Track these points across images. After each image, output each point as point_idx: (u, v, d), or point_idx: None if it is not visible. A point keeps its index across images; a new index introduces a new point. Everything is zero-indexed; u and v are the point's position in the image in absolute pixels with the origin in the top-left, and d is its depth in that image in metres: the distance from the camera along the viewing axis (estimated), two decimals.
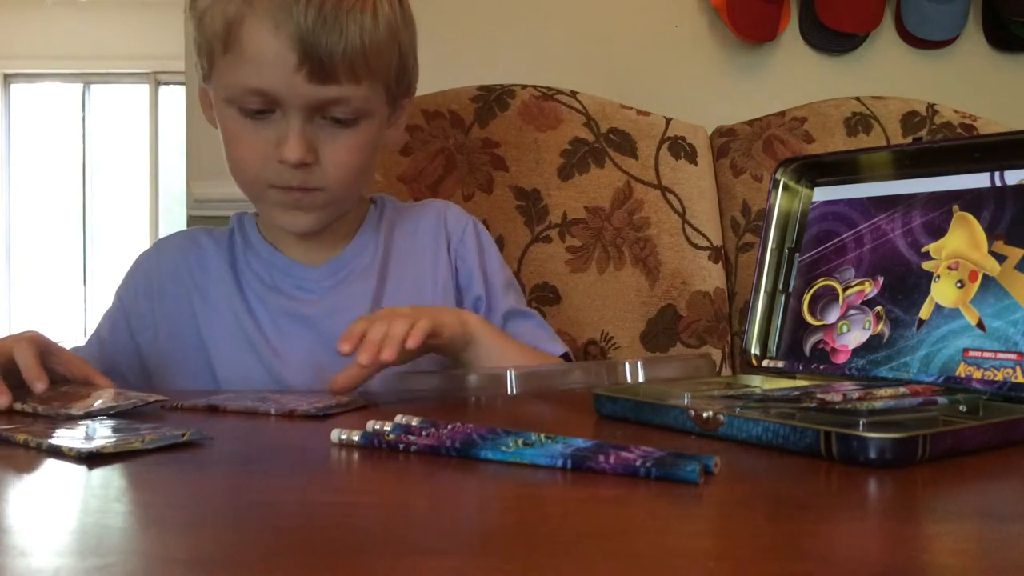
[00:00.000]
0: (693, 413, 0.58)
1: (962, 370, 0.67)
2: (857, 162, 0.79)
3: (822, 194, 0.81)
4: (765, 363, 0.80)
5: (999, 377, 0.64)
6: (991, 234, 0.68)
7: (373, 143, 0.91)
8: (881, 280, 0.74)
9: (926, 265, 0.71)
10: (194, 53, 0.90)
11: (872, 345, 0.73)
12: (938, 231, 0.71)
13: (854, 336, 0.74)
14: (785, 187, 0.82)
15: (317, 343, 0.92)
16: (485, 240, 1.04)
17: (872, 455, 0.49)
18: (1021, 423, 0.56)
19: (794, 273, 0.81)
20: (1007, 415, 0.58)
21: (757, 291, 0.82)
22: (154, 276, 1.00)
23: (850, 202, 0.78)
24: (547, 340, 0.99)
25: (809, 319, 0.78)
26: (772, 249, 0.82)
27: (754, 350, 0.82)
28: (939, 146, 0.75)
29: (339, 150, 0.87)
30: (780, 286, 0.81)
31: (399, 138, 1.09)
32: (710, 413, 0.57)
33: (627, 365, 0.79)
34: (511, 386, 0.77)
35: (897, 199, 0.75)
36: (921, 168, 0.74)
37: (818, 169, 0.82)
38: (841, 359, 0.75)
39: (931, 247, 0.72)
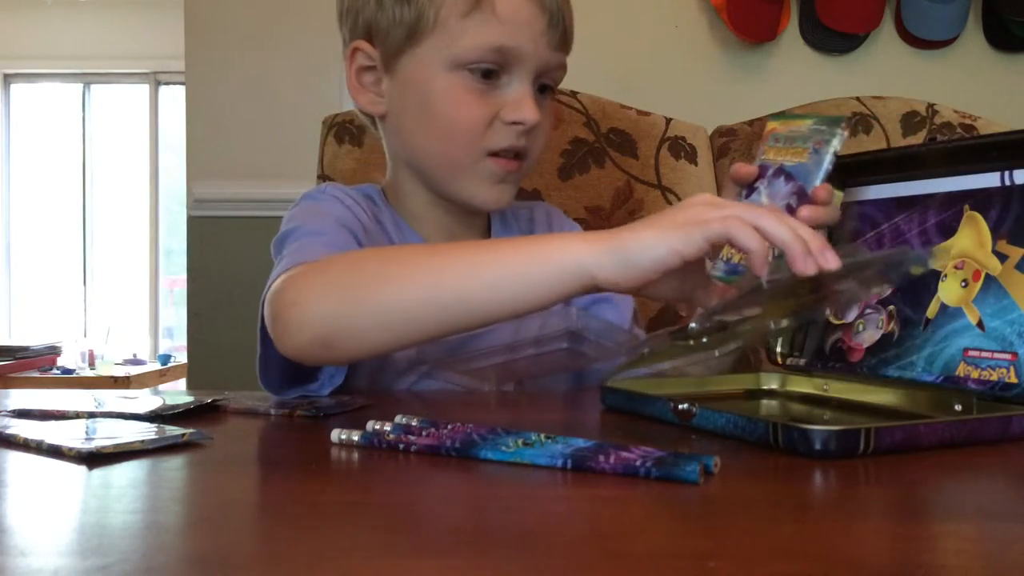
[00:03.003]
0: (672, 405, 0.61)
1: (961, 369, 0.67)
2: (886, 162, 0.80)
3: (852, 195, 0.82)
4: (789, 361, 0.81)
5: (994, 377, 0.64)
6: (996, 233, 0.68)
7: None
8: None
9: (935, 264, 0.72)
10: (363, 30, 0.90)
11: (883, 344, 0.73)
12: (949, 230, 0.72)
13: (868, 335, 0.75)
14: None
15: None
16: None
17: (816, 447, 0.51)
18: (991, 421, 0.57)
19: None
20: (988, 414, 0.59)
21: None
22: (355, 221, 0.90)
23: (875, 202, 0.79)
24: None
25: (832, 318, 0.79)
26: None
27: (780, 348, 0.82)
28: (955, 145, 0.75)
29: (545, 117, 0.90)
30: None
31: None
32: (685, 405, 0.60)
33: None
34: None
35: (916, 199, 0.75)
36: (948, 168, 0.74)
37: (848, 170, 0.82)
38: (856, 357, 0.75)
39: (941, 246, 0.72)
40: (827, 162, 0.73)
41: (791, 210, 0.73)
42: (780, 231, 0.59)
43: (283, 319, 0.71)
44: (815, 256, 0.58)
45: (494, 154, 0.87)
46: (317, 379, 0.77)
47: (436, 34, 0.86)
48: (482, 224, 0.99)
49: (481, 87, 0.86)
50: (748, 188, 0.79)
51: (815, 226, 0.73)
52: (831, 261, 0.58)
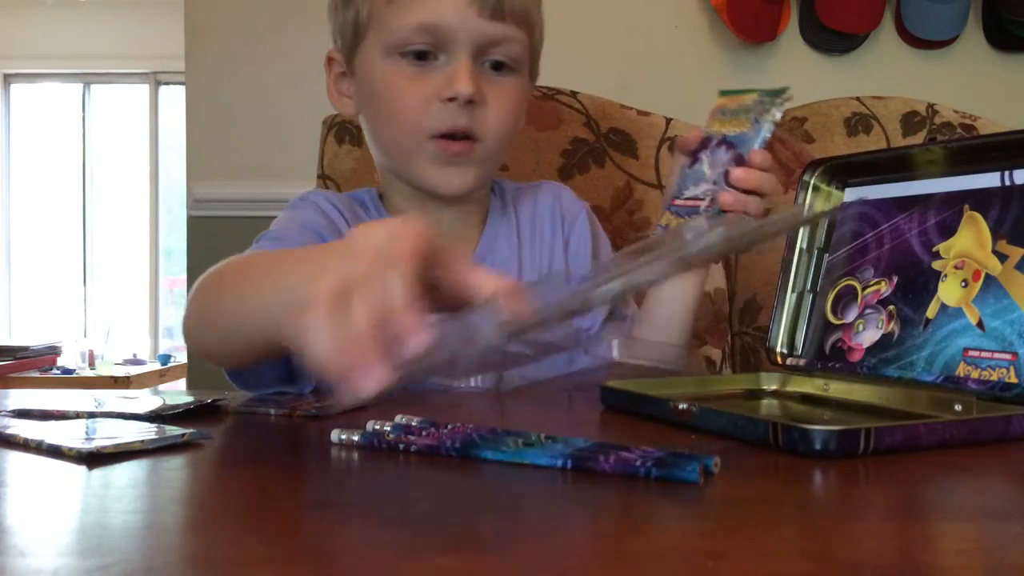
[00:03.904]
0: (672, 405, 0.61)
1: (961, 369, 0.67)
2: (886, 162, 0.80)
3: (852, 195, 0.82)
4: (789, 361, 0.81)
5: (994, 377, 0.64)
6: (996, 233, 0.68)
7: (522, 105, 0.93)
8: (896, 279, 0.75)
9: (936, 264, 0.72)
10: (334, 37, 0.93)
11: (883, 344, 0.73)
12: (949, 230, 0.72)
13: (868, 335, 0.75)
14: (815, 188, 0.83)
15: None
16: (597, 229, 1.05)
17: (816, 447, 0.51)
18: (991, 421, 0.57)
19: (822, 273, 0.82)
20: (987, 414, 0.59)
21: (784, 290, 0.82)
22: (330, 226, 0.91)
23: (876, 202, 0.79)
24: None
25: (831, 318, 0.79)
26: (801, 249, 0.83)
27: (780, 348, 0.82)
28: (955, 145, 0.75)
29: (500, 96, 0.88)
30: (808, 286, 0.82)
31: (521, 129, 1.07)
32: (685, 405, 0.60)
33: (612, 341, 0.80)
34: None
35: (917, 199, 0.76)
36: (947, 168, 0.74)
37: (848, 170, 0.82)
38: (856, 357, 0.75)
39: (941, 246, 0.72)
40: (765, 129, 0.74)
41: (727, 175, 0.75)
42: (324, 348, 0.41)
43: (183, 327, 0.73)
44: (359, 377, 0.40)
45: (439, 136, 0.86)
46: (297, 383, 0.77)
47: (372, 26, 0.88)
48: (478, 212, 0.98)
49: (416, 70, 0.86)
50: (692, 158, 0.80)
51: (748, 189, 0.74)
52: (368, 383, 0.40)
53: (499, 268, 0.94)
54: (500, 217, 0.99)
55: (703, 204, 0.76)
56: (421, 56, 0.86)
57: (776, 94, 0.75)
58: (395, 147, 0.90)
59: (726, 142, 0.77)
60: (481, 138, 0.87)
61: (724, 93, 0.81)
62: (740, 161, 0.75)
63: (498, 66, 0.88)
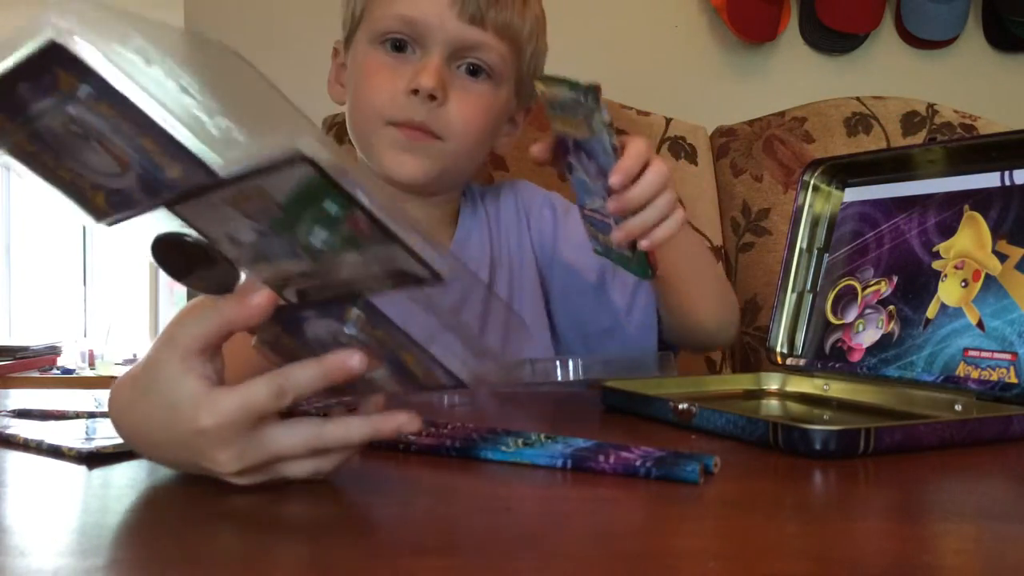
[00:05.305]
0: (672, 405, 0.61)
1: (961, 369, 0.67)
2: (886, 162, 0.80)
3: (852, 195, 0.82)
4: (789, 361, 0.81)
5: (994, 377, 0.64)
6: (996, 233, 0.68)
7: (497, 116, 0.93)
8: (896, 279, 0.75)
9: (936, 264, 0.72)
10: (341, 27, 0.96)
11: (883, 344, 0.73)
12: (949, 230, 0.72)
13: (868, 335, 0.75)
14: (815, 188, 0.83)
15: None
16: (560, 208, 1.03)
17: (816, 447, 0.51)
18: (991, 421, 0.57)
19: (822, 273, 0.82)
20: (987, 414, 0.59)
21: (784, 290, 0.83)
22: None
23: (875, 203, 0.79)
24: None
25: (831, 318, 0.79)
26: (802, 249, 0.83)
27: (780, 348, 0.82)
28: (955, 145, 0.75)
29: (468, 100, 0.88)
30: (808, 286, 0.82)
31: (508, 149, 1.06)
32: (685, 405, 0.60)
33: (558, 363, 0.80)
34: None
35: (917, 199, 0.76)
36: (947, 168, 0.75)
37: (848, 170, 0.83)
38: (856, 357, 0.75)
39: (941, 246, 0.72)
40: (607, 139, 0.68)
41: (606, 192, 0.71)
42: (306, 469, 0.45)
43: None
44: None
45: (399, 124, 0.87)
46: None
47: (365, 18, 0.90)
48: (447, 212, 0.99)
49: (391, 60, 0.88)
50: (566, 165, 0.76)
51: (628, 211, 0.70)
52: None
53: (472, 267, 0.95)
54: (471, 218, 1.00)
55: (611, 223, 0.73)
56: (399, 47, 0.87)
57: (586, 92, 0.68)
58: (359, 131, 0.92)
59: (582, 149, 0.72)
60: (442, 136, 0.88)
61: (538, 79, 0.75)
62: (605, 176, 0.70)
63: (475, 72, 0.89)
